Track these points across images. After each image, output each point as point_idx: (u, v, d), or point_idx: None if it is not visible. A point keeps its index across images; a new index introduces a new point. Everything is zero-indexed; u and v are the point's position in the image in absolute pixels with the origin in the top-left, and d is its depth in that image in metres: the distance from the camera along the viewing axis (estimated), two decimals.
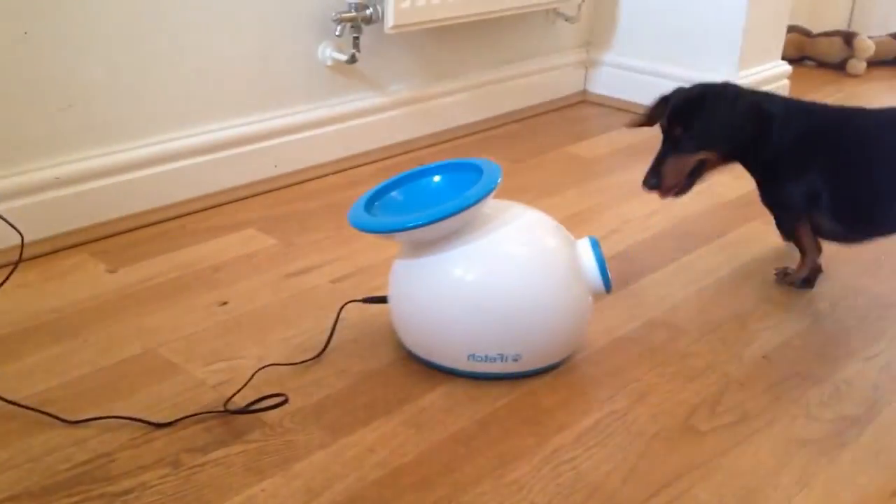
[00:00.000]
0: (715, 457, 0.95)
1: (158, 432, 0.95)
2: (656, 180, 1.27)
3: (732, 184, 1.69)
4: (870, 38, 2.53)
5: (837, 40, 2.53)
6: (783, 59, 2.13)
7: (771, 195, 1.30)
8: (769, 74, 2.05)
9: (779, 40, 2.09)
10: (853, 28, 2.73)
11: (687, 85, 1.31)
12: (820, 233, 1.30)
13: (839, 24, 2.79)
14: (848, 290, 1.30)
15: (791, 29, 2.46)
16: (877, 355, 1.14)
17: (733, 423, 1.00)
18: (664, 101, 1.30)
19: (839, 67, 2.54)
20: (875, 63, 2.55)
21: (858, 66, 2.50)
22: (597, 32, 2.19)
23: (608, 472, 0.92)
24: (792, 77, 2.14)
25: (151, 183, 1.44)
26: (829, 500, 0.89)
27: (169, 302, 1.22)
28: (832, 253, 1.41)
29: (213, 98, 1.51)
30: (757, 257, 1.40)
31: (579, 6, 2.07)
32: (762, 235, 1.47)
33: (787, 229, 1.33)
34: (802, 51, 2.58)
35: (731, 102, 1.25)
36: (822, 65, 2.58)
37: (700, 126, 1.24)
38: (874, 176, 1.24)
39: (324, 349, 1.11)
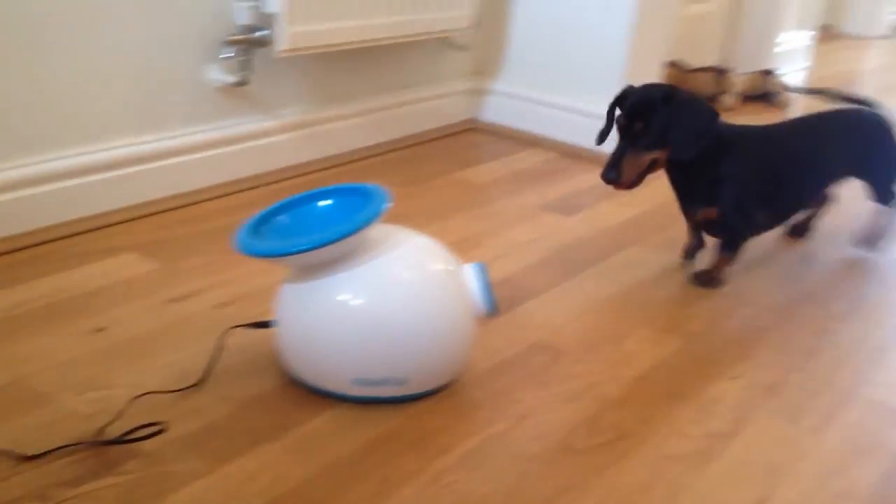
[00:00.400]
0: (592, 475, 0.97)
1: (26, 465, 0.91)
2: (615, 174, 1.32)
3: (614, 211, 1.75)
4: (741, 74, 2.67)
5: (711, 75, 2.66)
6: None
7: (727, 203, 1.40)
8: None
9: (657, 74, 2.18)
10: (726, 64, 2.87)
11: (630, 87, 1.38)
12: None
13: (713, 60, 2.93)
14: (717, 314, 1.37)
15: (669, 64, 2.57)
16: (741, 375, 1.20)
17: (609, 441, 1.04)
18: (620, 99, 1.37)
19: (713, 101, 2.67)
20: (746, 97, 2.69)
21: (730, 100, 2.64)
22: (486, 62, 2.24)
23: (489, 493, 0.93)
24: None
25: (23, 205, 1.39)
26: None
27: (41, 329, 1.18)
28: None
29: (92, 118, 1.47)
30: (635, 281, 1.46)
31: (469, 36, 2.12)
32: (640, 260, 1.53)
33: (745, 231, 1.47)
34: (679, 84, 2.69)
35: (700, 108, 1.35)
36: None
37: (659, 124, 1.32)
38: (792, 172, 1.46)
39: (205, 376, 1.09)
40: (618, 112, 1.36)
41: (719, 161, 1.37)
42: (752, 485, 0.98)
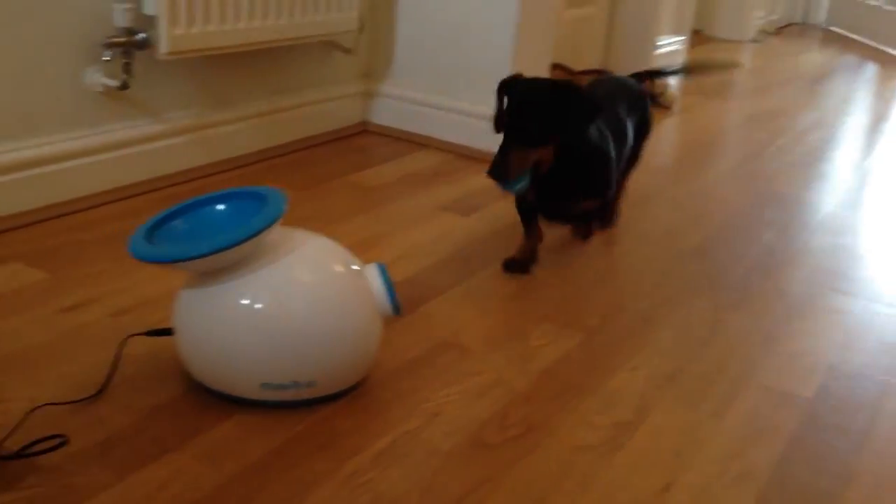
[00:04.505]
0: (505, 468, 0.99)
1: None
2: (502, 171, 1.30)
3: (509, 210, 1.78)
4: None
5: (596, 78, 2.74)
6: None
7: (593, 183, 1.46)
8: None
9: (545, 75, 2.23)
10: (608, 67, 2.97)
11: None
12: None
13: (595, 63, 3.02)
14: (614, 307, 1.41)
15: (555, 66, 2.64)
16: (641, 366, 1.24)
17: (520, 434, 1.05)
18: (503, 87, 1.36)
19: None
20: None
21: None
22: (375, 64, 2.24)
23: (405, 490, 0.93)
24: None
25: None
26: (608, 500, 0.95)
27: None
28: (600, 272, 1.52)
29: None
30: (534, 278, 1.49)
31: (356, 39, 2.11)
32: (538, 255, 1.56)
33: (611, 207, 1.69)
34: None
35: (584, 102, 1.34)
36: None
37: (547, 120, 1.30)
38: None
39: (105, 385, 1.05)
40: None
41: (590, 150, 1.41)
42: (658, 471, 1.01)
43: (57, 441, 0.93)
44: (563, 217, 1.53)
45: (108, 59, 1.55)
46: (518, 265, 1.50)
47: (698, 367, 1.24)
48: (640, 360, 1.25)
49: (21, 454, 0.91)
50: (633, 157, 1.70)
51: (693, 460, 1.03)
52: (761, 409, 1.15)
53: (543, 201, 1.46)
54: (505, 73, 2.06)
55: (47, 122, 1.51)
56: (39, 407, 0.99)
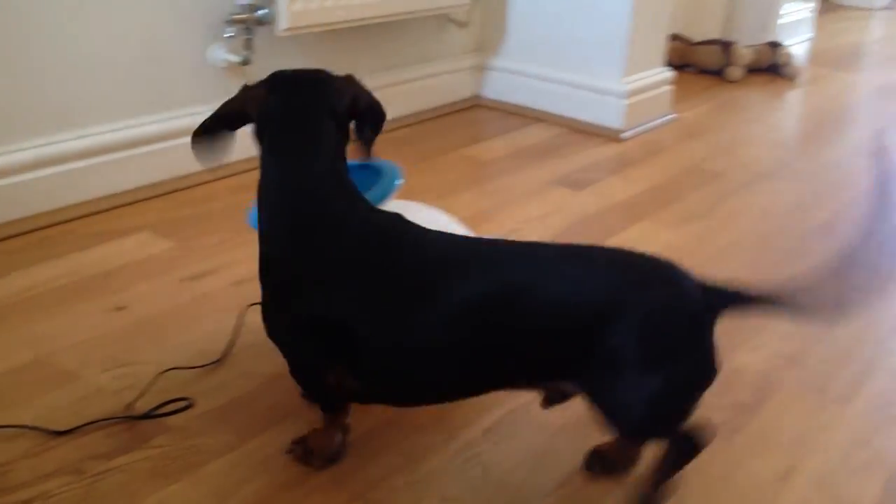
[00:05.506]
0: None
1: (58, 440, 0.92)
2: None
3: (623, 185, 1.75)
4: (746, 46, 2.66)
5: (716, 48, 2.65)
6: (666, 65, 2.21)
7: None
8: (653, 80, 2.13)
9: (661, 48, 2.17)
10: (728, 37, 2.86)
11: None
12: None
13: (716, 33, 2.92)
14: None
15: (673, 37, 2.57)
16: (762, 346, 1.19)
17: None
18: None
19: (718, 73, 2.67)
20: (751, 70, 2.68)
21: (736, 72, 2.63)
22: (487, 38, 2.23)
23: (515, 464, 0.94)
24: (675, 82, 2.22)
25: (35, 187, 1.38)
26: (725, 483, 0.93)
27: (60, 308, 1.17)
28: (721, 248, 1.47)
29: (97, 100, 1.46)
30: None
31: (469, 12, 2.10)
32: (651, 234, 1.53)
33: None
34: (684, 58, 2.69)
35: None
36: (703, 71, 2.70)
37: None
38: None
39: (227, 352, 1.09)
40: None
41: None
42: (778, 456, 0.98)
43: (183, 404, 0.98)
44: None
45: (231, 35, 1.59)
46: (307, 453, 0.90)
47: (824, 349, 1.19)
48: (761, 341, 1.21)
49: (150, 415, 0.96)
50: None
51: (816, 446, 0.99)
52: (890, 395, 1.10)
53: None
54: (622, 44, 2.03)
55: (173, 97, 1.57)
56: (167, 371, 1.04)
